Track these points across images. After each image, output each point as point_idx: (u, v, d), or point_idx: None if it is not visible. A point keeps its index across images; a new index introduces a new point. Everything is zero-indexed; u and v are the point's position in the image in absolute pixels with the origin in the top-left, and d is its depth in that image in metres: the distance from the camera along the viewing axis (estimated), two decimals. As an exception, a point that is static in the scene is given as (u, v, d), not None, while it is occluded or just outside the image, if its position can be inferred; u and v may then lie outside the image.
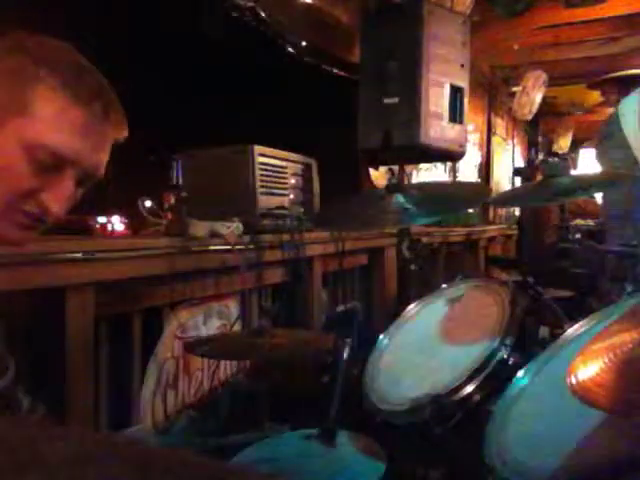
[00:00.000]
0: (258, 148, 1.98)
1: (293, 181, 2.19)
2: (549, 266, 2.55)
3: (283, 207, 2.07)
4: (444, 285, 1.79)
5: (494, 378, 1.26)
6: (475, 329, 1.44)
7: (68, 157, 0.76)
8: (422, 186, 2.42)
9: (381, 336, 1.62)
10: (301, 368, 1.82)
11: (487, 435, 1.08)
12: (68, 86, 0.75)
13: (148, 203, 1.73)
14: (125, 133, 0.84)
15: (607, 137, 2.76)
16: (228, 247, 1.77)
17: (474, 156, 5.46)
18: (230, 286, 1.90)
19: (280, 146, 2.15)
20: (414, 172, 4.05)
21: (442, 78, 2.28)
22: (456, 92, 2.33)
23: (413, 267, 1.84)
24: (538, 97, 5.17)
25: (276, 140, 2.16)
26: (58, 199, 0.78)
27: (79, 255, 1.33)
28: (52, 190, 0.77)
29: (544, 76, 5.04)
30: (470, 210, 4.60)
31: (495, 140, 6.02)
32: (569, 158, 7.11)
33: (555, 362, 1.16)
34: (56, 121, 0.74)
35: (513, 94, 5.41)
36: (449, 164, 4.69)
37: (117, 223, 1.75)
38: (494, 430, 1.08)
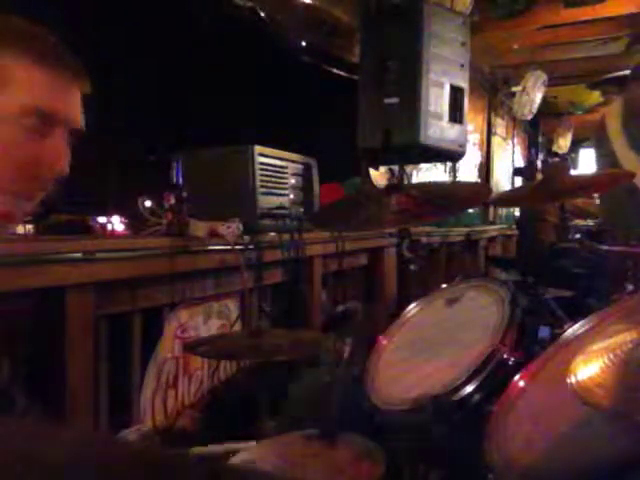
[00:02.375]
0: (258, 148, 1.98)
1: (293, 181, 2.19)
2: (549, 266, 2.55)
3: (283, 207, 2.07)
4: (444, 285, 1.78)
5: (494, 378, 1.26)
6: (475, 329, 1.44)
7: (52, 114, 0.80)
8: (422, 186, 2.42)
9: (381, 336, 1.62)
10: (301, 368, 1.82)
11: (487, 435, 1.08)
12: (28, 50, 0.78)
13: (148, 203, 1.73)
14: (87, 80, 0.87)
15: (597, 144, 2.76)
16: (228, 247, 1.77)
17: (474, 156, 5.46)
18: (230, 286, 1.90)
19: (280, 146, 2.15)
20: (414, 172, 4.05)
21: (442, 78, 2.28)
22: (456, 92, 2.33)
23: (413, 267, 1.84)
24: (538, 97, 5.17)
25: (276, 140, 2.16)
26: (59, 157, 0.81)
27: (79, 255, 1.33)
28: (51, 151, 0.80)
29: (544, 76, 5.04)
30: (470, 210, 4.61)
31: (495, 140, 6.03)
32: (569, 158, 7.11)
33: (555, 362, 1.16)
34: (32, 84, 0.78)
35: (513, 94, 5.42)
36: (449, 164, 4.69)
37: (117, 223, 1.75)
38: (494, 430, 1.08)
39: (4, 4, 0.83)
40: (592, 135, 3.03)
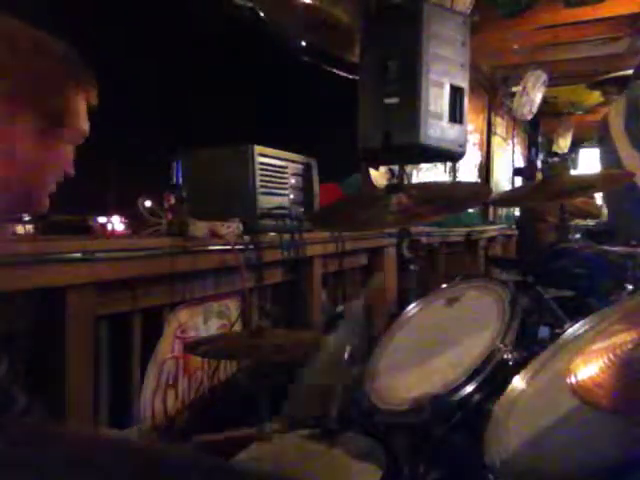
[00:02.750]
0: (258, 148, 1.98)
1: (293, 181, 2.19)
2: (549, 266, 2.55)
3: (283, 207, 2.07)
4: (444, 285, 1.78)
5: (494, 378, 1.26)
6: (475, 329, 1.44)
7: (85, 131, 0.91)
8: (422, 186, 2.42)
9: (381, 336, 1.62)
10: (301, 368, 1.82)
11: (487, 435, 1.08)
12: (83, 83, 0.87)
13: (148, 203, 1.73)
14: (95, 91, 0.94)
15: (600, 142, 2.76)
16: (228, 247, 1.77)
17: (474, 156, 5.46)
18: (230, 286, 1.90)
19: (280, 146, 2.15)
20: (414, 172, 4.05)
21: (442, 78, 2.27)
22: (456, 92, 2.33)
23: (413, 267, 1.84)
24: (538, 97, 5.16)
25: (276, 140, 2.16)
26: (72, 161, 0.91)
27: (79, 255, 1.33)
28: (68, 157, 0.90)
29: (544, 76, 5.04)
30: (470, 210, 4.61)
31: (495, 140, 6.03)
32: (569, 158, 7.11)
33: (555, 362, 1.16)
34: (84, 109, 0.89)
35: (513, 94, 5.42)
36: (449, 164, 4.69)
37: (117, 223, 1.75)
38: (494, 430, 1.08)
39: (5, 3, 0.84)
40: (595, 134, 3.04)
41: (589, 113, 6.67)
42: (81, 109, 0.87)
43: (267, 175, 2.03)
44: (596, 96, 5.75)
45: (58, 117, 0.84)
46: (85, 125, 0.90)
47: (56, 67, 0.84)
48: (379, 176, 3.35)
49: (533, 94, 5.09)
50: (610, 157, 2.59)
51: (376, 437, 1.25)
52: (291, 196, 2.16)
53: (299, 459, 1.21)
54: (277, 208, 2.03)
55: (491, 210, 5.66)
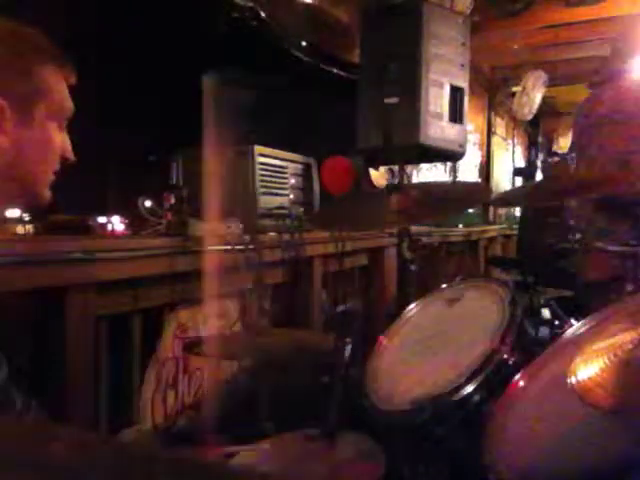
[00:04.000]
0: (258, 148, 1.98)
1: (293, 181, 2.19)
2: (549, 266, 2.55)
3: (283, 207, 2.07)
4: (444, 285, 1.78)
5: (494, 378, 1.26)
6: (475, 329, 1.44)
7: (70, 111, 0.91)
8: (422, 186, 2.42)
9: (381, 336, 1.62)
10: (301, 368, 1.82)
11: (487, 435, 1.08)
12: (51, 57, 0.87)
13: (148, 203, 1.73)
14: (74, 72, 0.95)
15: None
16: (228, 247, 1.77)
17: (474, 156, 5.46)
18: (230, 286, 1.90)
19: (280, 146, 2.15)
20: (414, 172, 4.05)
21: (442, 78, 2.27)
22: (456, 92, 2.33)
23: (413, 267, 1.84)
24: (538, 97, 5.17)
25: (276, 140, 2.16)
26: (70, 147, 0.92)
27: (79, 255, 1.33)
28: (64, 144, 0.91)
29: (544, 76, 5.04)
30: (470, 210, 4.61)
31: (495, 140, 6.03)
32: (569, 158, 7.11)
33: (555, 362, 1.16)
34: (61, 87, 0.88)
35: (513, 94, 5.42)
36: (449, 164, 4.69)
37: (117, 223, 1.75)
38: (494, 430, 1.08)
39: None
40: None
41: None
42: (57, 86, 0.87)
43: (267, 175, 2.03)
44: (596, 96, 5.74)
45: (30, 95, 0.84)
46: (66, 102, 0.90)
47: (23, 50, 0.84)
48: (379, 176, 3.35)
49: (533, 94, 5.09)
50: None
51: (376, 437, 1.25)
52: (291, 196, 2.16)
53: (299, 459, 1.21)
54: (277, 208, 2.04)
55: (491, 210, 5.66)
